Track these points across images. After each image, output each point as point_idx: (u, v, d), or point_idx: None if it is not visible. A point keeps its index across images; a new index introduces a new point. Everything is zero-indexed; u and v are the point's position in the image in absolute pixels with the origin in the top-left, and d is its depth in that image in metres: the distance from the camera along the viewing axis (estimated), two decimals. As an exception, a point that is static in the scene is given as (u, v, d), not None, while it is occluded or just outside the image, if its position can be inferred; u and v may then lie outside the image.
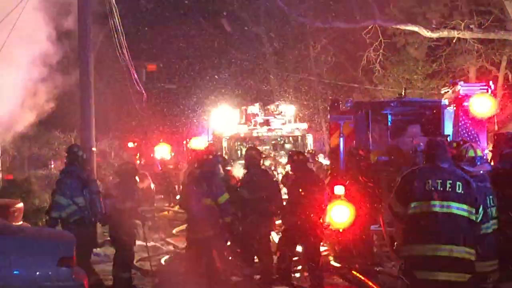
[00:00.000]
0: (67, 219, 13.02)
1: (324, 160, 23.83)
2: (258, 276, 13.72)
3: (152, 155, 40.79)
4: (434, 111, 16.80)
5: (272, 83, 43.21)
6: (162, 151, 38.17)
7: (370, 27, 28.08)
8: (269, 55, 43.29)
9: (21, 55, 24.47)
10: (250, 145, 23.19)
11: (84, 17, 18.73)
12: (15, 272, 10.11)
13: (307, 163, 14.13)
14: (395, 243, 13.66)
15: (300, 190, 13.23)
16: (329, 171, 17.95)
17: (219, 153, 20.77)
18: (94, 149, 18.94)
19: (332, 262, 15.40)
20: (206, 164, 12.94)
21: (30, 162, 29.80)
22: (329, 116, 19.79)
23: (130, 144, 45.75)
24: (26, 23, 23.55)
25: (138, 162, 39.79)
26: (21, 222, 16.66)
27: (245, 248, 13.66)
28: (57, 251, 10.38)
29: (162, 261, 16.26)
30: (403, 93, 18.91)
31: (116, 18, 21.77)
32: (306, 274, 14.36)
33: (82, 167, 13.69)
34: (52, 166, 29.62)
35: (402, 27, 28.33)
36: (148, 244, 15.97)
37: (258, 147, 18.63)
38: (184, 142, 41.38)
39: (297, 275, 14.67)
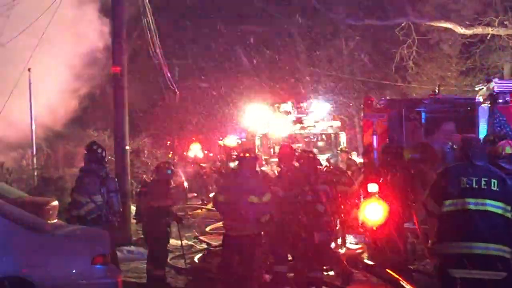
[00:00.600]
0: (85, 217, 13.03)
1: (357, 158, 23.74)
2: (291, 274, 13.70)
3: (185, 153, 40.85)
4: (469, 108, 16.65)
5: (304, 81, 43.12)
6: (195, 150, 38.24)
7: (403, 24, 27.96)
8: (302, 52, 43.19)
9: (56, 55, 24.76)
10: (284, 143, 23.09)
11: (118, 16, 18.80)
12: (49, 269, 10.16)
13: (316, 162, 14.02)
14: (429, 241, 13.62)
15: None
16: (362, 169, 17.86)
17: (256, 152, 20.80)
18: (127, 147, 19.04)
19: (366, 260, 15.32)
20: (245, 162, 12.87)
21: (65, 160, 30.00)
22: (362, 114, 19.70)
23: (164, 143, 45.92)
24: (59, 25, 23.81)
25: (171, 160, 39.93)
26: (55, 220, 16.80)
27: (279, 246, 13.62)
28: (91, 249, 10.43)
29: (196, 259, 16.29)
30: (436, 91, 18.77)
31: (149, 17, 21.87)
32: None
33: (101, 165, 13.64)
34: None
35: (436, 24, 28.19)
36: (182, 242, 16.00)
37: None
38: (218, 140, 41.42)
39: (331, 273, 14.62)
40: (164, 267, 14.41)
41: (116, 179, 14.12)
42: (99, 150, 13.60)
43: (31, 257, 10.14)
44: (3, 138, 24.83)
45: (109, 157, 26.82)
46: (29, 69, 24.39)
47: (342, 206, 16.78)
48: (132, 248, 17.99)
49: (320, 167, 15.72)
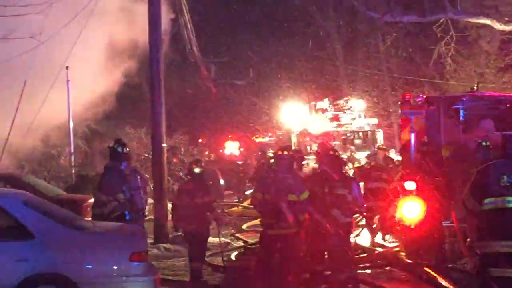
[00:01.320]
0: (108, 215, 13.03)
1: (395, 156, 23.60)
2: (328, 272, 13.63)
3: (221, 150, 40.92)
4: (507, 105, 16.46)
5: (341, 78, 42.98)
6: (231, 147, 38.30)
7: (441, 21, 27.72)
8: (339, 50, 43.04)
9: (94, 53, 24.92)
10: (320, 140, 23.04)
11: (155, 13, 18.84)
12: (88, 266, 10.24)
13: (339, 160, 13.85)
14: (468, 240, 13.51)
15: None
16: (400, 167, 17.74)
17: (294, 149, 20.74)
18: (164, 145, 19.09)
19: (404, 258, 15.21)
20: (282, 160, 12.82)
21: (101, 158, 30.20)
22: (399, 111, 19.57)
23: (200, 140, 46.02)
24: (97, 23, 23.96)
25: (207, 158, 40.00)
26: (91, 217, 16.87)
27: (315, 244, 13.55)
28: (129, 246, 10.47)
29: (233, 256, 16.28)
30: (475, 88, 18.60)
31: (186, 15, 21.92)
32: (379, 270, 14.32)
33: (124, 163, 13.61)
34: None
35: (474, 20, 27.92)
36: (220, 240, 16.02)
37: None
38: (254, 138, 41.46)
39: (368, 271, 14.56)
40: (202, 260, 14.50)
41: (141, 176, 14.04)
42: (119, 149, 13.58)
43: (69, 254, 10.22)
44: (41, 136, 25.06)
45: (146, 155, 27.14)
46: (67, 67, 24.58)
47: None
48: (169, 245, 18.03)
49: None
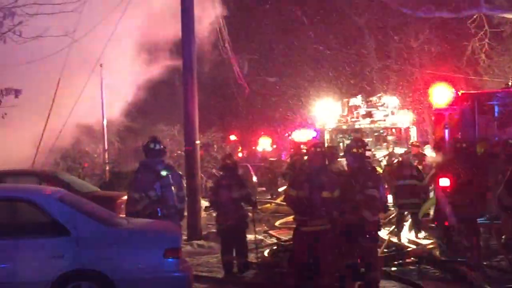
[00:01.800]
0: (142, 212, 13.09)
1: (429, 152, 23.46)
2: (363, 270, 13.58)
3: (254, 147, 41.00)
4: (543, 101, 16.33)
5: (374, 75, 42.79)
6: (264, 144, 38.33)
7: (475, 16, 27.49)
8: (371, 46, 42.84)
9: (127, 51, 25.06)
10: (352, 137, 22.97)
11: (188, 10, 18.88)
12: (122, 263, 10.29)
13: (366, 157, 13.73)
14: (503, 237, 13.40)
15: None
16: (434, 163, 17.65)
17: (328, 146, 20.74)
18: (197, 142, 19.14)
19: (439, 256, 15.12)
20: (314, 157, 12.80)
21: (135, 155, 30.36)
22: (433, 108, 19.47)
23: (232, 137, 46.11)
24: (130, 21, 24.08)
25: (240, 154, 40.11)
26: (125, 214, 16.95)
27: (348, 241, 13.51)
28: (163, 243, 10.49)
29: (266, 253, 16.29)
30: (510, 83, 18.46)
31: (218, 11, 21.93)
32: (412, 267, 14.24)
33: (157, 160, 13.63)
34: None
35: (508, 15, 27.63)
36: (252, 237, 16.04)
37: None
38: (287, 135, 41.45)
39: (401, 268, 14.49)
40: (246, 254, 14.76)
41: (173, 173, 13.99)
42: (151, 145, 13.61)
43: (104, 250, 10.28)
44: (75, 133, 25.25)
45: (179, 152, 27.24)
46: (101, 65, 24.73)
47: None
48: (203, 242, 18.10)
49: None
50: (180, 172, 15.51)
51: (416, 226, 18.07)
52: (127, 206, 13.44)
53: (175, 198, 13.58)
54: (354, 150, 13.00)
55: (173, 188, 13.57)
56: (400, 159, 19.58)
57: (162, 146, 13.74)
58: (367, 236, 12.49)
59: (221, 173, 15.41)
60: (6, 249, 10.17)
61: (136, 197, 13.22)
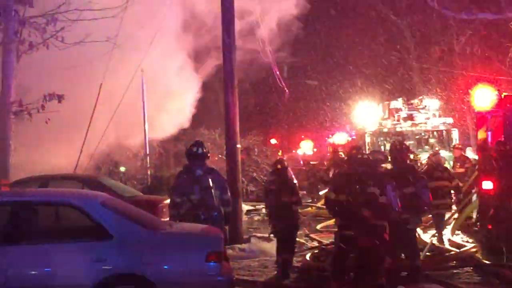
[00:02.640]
0: (186, 216, 13.11)
1: (471, 154, 23.26)
2: (405, 273, 13.52)
3: (294, 151, 40.98)
4: None
5: (415, 77, 42.55)
6: (305, 147, 38.30)
7: (518, 17, 27.24)
8: (412, 48, 42.63)
9: (168, 56, 25.16)
10: (393, 140, 22.84)
11: (227, 14, 18.91)
12: (165, 267, 10.31)
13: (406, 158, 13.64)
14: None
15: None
16: (477, 166, 17.50)
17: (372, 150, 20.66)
18: (238, 146, 19.17)
19: (481, 259, 14.98)
20: (360, 161, 12.79)
21: (176, 159, 30.49)
22: (475, 110, 19.30)
23: (273, 141, 46.13)
24: (171, 25, 24.21)
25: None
26: (168, 218, 17.01)
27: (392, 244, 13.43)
28: (205, 246, 10.50)
29: (307, 256, 16.26)
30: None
31: (258, 15, 21.97)
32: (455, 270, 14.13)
33: (199, 163, 13.64)
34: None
35: (554, 15, 27.33)
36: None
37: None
38: (327, 138, 41.36)
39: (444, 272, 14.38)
40: (293, 252, 14.92)
41: (213, 176, 13.95)
42: (194, 149, 13.61)
43: (147, 254, 10.30)
44: (117, 138, 25.41)
45: (220, 156, 27.31)
46: (142, 70, 24.89)
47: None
48: (244, 246, 18.10)
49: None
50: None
51: (442, 227, 17.88)
52: (170, 210, 13.48)
53: (217, 201, 13.56)
54: (397, 150, 13.02)
55: (213, 191, 13.56)
56: (429, 160, 19.45)
57: (205, 150, 13.75)
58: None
59: (270, 177, 15.49)
60: (50, 253, 10.25)
61: (178, 201, 13.24)
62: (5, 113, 19.50)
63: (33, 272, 10.21)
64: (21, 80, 20.25)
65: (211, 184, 13.48)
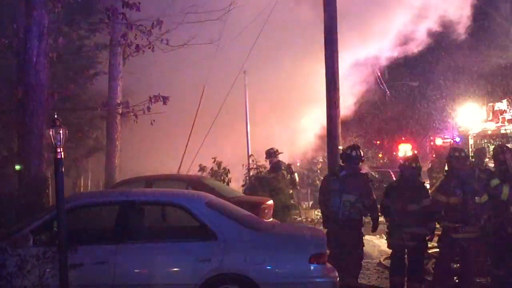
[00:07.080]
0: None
1: None
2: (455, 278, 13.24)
3: (394, 153, 40.58)
4: None
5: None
6: (405, 150, 37.86)
7: None
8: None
9: (270, 57, 25.25)
10: (498, 142, 22.43)
11: (329, 16, 18.84)
12: (267, 267, 10.39)
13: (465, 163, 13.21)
14: None
15: None
16: None
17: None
18: (340, 147, 19.13)
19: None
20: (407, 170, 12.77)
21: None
22: None
23: (377, 142, 45.84)
24: (273, 28, 24.32)
25: (381, 160, 39.80)
26: (271, 219, 17.12)
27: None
28: (308, 248, 10.53)
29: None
30: None
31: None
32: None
33: (354, 166, 13.66)
34: (298, 164, 30.12)
35: None
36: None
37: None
38: (428, 140, 40.78)
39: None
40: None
41: (356, 179, 13.84)
42: (348, 151, 13.72)
43: (250, 254, 10.41)
44: (219, 139, 25.63)
45: (321, 158, 27.28)
46: (244, 72, 25.04)
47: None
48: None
49: None
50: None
51: None
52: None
53: (343, 205, 13.39)
54: (456, 154, 12.78)
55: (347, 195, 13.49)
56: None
57: (360, 153, 13.77)
58: None
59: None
60: (155, 252, 10.48)
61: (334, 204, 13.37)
62: (112, 114, 19.99)
63: (138, 271, 10.45)
64: (127, 82, 20.71)
65: (332, 187, 13.50)
